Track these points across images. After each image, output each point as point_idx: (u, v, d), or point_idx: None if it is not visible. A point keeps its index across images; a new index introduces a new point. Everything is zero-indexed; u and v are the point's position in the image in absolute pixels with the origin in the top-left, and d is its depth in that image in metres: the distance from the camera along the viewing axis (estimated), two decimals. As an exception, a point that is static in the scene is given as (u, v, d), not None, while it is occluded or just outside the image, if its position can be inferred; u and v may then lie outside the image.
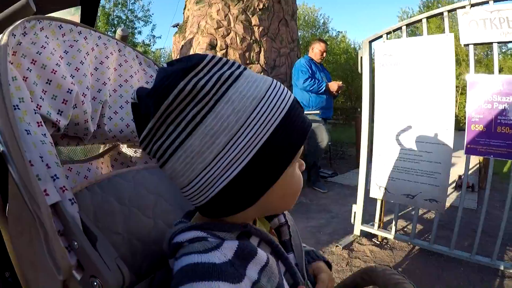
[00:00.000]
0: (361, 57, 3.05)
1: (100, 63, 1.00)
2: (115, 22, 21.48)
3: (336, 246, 3.24)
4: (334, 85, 4.87)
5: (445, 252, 3.09)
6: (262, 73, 4.73)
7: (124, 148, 1.19)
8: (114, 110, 1.01)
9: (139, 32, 23.90)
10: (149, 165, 0.99)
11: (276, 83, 0.64)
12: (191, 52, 4.44)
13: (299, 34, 6.00)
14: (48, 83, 0.78)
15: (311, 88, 4.72)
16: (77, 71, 0.88)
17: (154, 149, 0.61)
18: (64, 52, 0.88)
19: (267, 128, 0.58)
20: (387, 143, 2.99)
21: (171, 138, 0.58)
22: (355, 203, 3.49)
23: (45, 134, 0.70)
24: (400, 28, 2.91)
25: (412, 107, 2.80)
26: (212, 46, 4.38)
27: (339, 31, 34.83)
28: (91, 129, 0.89)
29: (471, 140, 2.60)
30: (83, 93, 0.87)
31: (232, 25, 4.51)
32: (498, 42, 2.46)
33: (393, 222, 3.30)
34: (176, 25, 5.75)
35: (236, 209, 0.63)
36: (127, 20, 22.36)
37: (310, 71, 4.81)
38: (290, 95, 0.65)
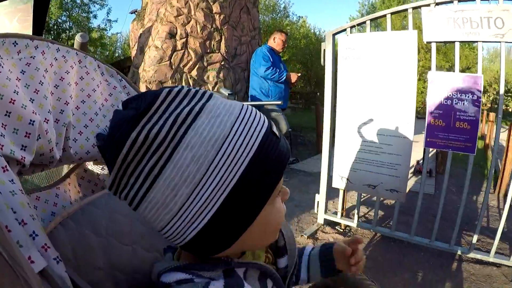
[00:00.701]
0: (324, 50, 3.05)
1: (60, 80, 0.92)
2: (69, 6, 20.40)
3: (301, 235, 3.29)
4: (294, 76, 4.93)
5: (406, 239, 3.21)
6: (223, 62, 4.64)
7: (90, 165, 1.13)
8: (79, 130, 0.95)
9: (95, 16, 22.80)
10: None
11: (246, 112, 0.58)
12: (150, 41, 4.29)
13: (260, 18, 5.94)
14: (8, 115, 0.70)
15: (272, 77, 4.70)
16: (37, 93, 0.81)
17: (121, 197, 0.57)
18: (21, 72, 0.80)
19: (235, 172, 0.53)
20: (349, 135, 3.04)
21: (133, 190, 0.54)
22: (317, 190, 3.54)
23: (12, 180, 0.64)
24: (364, 22, 2.92)
25: (374, 100, 2.85)
26: (172, 35, 4.24)
27: (299, 16, 34.89)
28: (57, 156, 0.82)
29: (431, 134, 2.70)
30: (46, 119, 0.80)
31: (192, 12, 4.37)
32: (461, 42, 2.53)
33: (356, 211, 3.39)
34: (134, 12, 5.53)
35: (213, 251, 0.60)
36: (82, 4, 21.29)
37: (271, 60, 4.78)
38: (263, 123, 0.59)
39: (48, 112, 0.82)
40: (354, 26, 2.90)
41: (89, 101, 0.99)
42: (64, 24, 19.81)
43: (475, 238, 2.96)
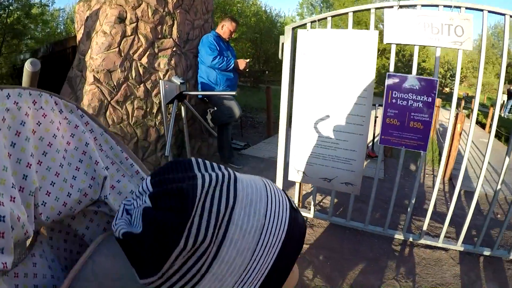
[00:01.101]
0: (283, 43, 3.00)
1: (16, 135, 0.78)
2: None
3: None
4: (242, 63, 4.80)
5: (361, 228, 3.33)
6: (174, 48, 4.45)
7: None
8: (46, 190, 0.83)
9: (36, -10, 21.16)
10: (99, 241, 0.84)
11: (272, 194, 0.61)
12: (98, 26, 4.01)
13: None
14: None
15: (219, 66, 4.61)
16: (-8, 165, 0.68)
17: None
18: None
19: (272, 253, 0.57)
20: (305, 130, 3.07)
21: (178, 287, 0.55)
22: (271, 178, 3.57)
23: None
24: (325, 18, 2.90)
25: (331, 97, 2.88)
26: (121, 19, 3.98)
27: None
28: (31, 232, 0.71)
29: (385, 132, 2.81)
30: (12, 197, 0.67)
31: None
32: (420, 45, 2.58)
33: (312, 202, 3.45)
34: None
35: None
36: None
37: (218, 48, 4.67)
38: (286, 202, 0.63)
39: (12, 186, 0.69)
40: (314, 21, 2.86)
41: (52, 152, 0.87)
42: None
43: (425, 225, 3.15)
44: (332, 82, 2.83)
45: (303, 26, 2.90)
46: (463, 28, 2.47)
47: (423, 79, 2.61)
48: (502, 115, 20.37)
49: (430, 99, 2.61)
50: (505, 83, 32.02)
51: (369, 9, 2.74)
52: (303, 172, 3.18)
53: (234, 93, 4.42)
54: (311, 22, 2.85)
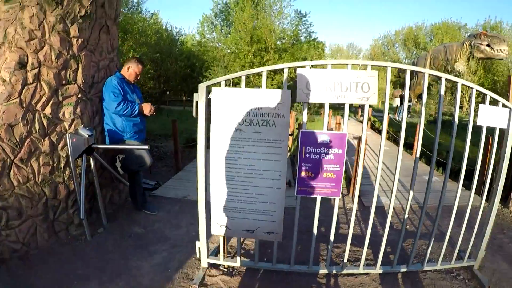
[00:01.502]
0: (197, 101, 3.00)
1: None
2: None
3: (191, 286, 3.28)
4: (147, 107, 4.64)
5: (287, 269, 3.46)
6: (80, 94, 4.19)
7: None
8: None
9: None
10: None
11: None
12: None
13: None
14: None
15: (124, 112, 4.42)
16: None
17: None
18: None
19: None
20: (224, 186, 3.09)
21: None
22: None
23: None
24: (239, 77, 2.98)
25: (247, 153, 2.94)
26: (22, 64, 3.61)
27: (152, 13, 33.70)
28: None
29: (301, 184, 3.00)
30: None
31: (47, 36, 3.75)
32: (330, 103, 2.78)
33: (237, 251, 3.51)
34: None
35: None
36: None
37: (122, 93, 4.48)
38: None
39: None
40: (229, 80, 2.93)
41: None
42: None
43: (345, 257, 3.40)
44: (248, 140, 2.90)
45: (217, 84, 2.95)
46: (369, 85, 2.72)
47: (334, 134, 2.81)
48: (397, 118, 22.16)
49: (340, 151, 2.83)
50: (396, 88, 34.94)
51: (283, 69, 2.89)
52: (226, 226, 3.22)
53: (147, 147, 4.29)
54: (225, 80, 2.92)
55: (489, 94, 3.11)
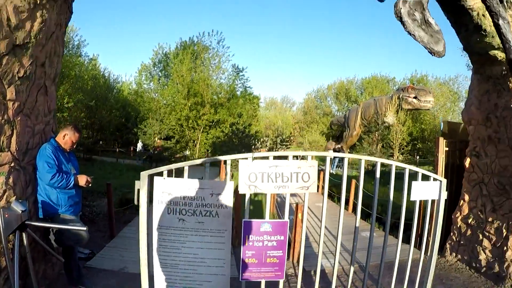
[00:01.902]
0: (138, 189, 2.98)
1: None
2: None
3: None
4: (83, 179, 4.49)
5: None
6: (13, 163, 3.97)
7: None
8: None
9: None
10: None
11: None
12: None
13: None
14: None
15: (59, 185, 4.24)
16: None
17: None
18: None
19: None
20: (169, 274, 3.05)
21: None
22: None
23: None
24: (182, 167, 3.01)
25: (192, 244, 2.96)
26: None
27: (91, 58, 33.21)
28: None
29: (245, 269, 3.05)
30: None
31: None
32: (272, 193, 2.88)
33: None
34: None
35: None
36: None
37: (57, 163, 4.30)
38: None
39: None
40: (171, 170, 2.96)
41: None
42: None
43: None
44: (191, 229, 2.92)
45: (160, 174, 2.96)
46: (309, 174, 2.88)
47: (275, 222, 2.91)
48: (330, 170, 22.87)
49: (282, 237, 2.92)
50: (329, 140, 36.31)
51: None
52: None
53: (85, 228, 4.08)
54: (168, 170, 2.94)
55: (421, 171, 3.40)
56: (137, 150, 26.08)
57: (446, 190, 3.66)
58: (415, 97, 27.87)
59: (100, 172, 17.22)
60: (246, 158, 2.90)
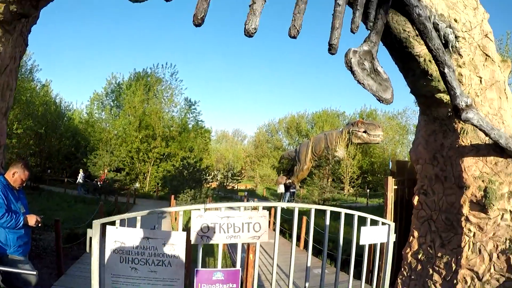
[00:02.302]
0: (90, 237, 2.93)
1: None
2: None
3: None
4: (32, 219, 4.31)
5: None
6: None
7: None
8: None
9: None
10: None
11: None
12: None
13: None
14: None
15: (8, 225, 4.08)
16: None
17: None
18: None
19: None
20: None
21: None
22: None
23: None
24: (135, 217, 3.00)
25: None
26: None
27: (43, 84, 32.13)
28: None
29: None
30: None
31: None
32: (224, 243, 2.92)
33: None
34: None
35: None
36: None
37: (6, 202, 4.14)
38: None
39: None
40: (124, 219, 2.94)
41: None
42: None
43: None
44: (143, 278, 2.89)
45: (113, 223, 2.94)
46: (260, 224, 2.94)
47: (228, 271, 2.95)
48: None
49: (235, 285, 2.94)
50: (279, 175, 36.65)
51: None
52: None
53: (35, 273, 3.88)
54: (120, 220, 2.93)
55: (369, 216, 3.55)
56: (77, 181, 24.86)
57: (395, 232, 3.83)
58: (364, 132, 28.88)
59: (48, 203, 16.42)
60: (198, 209, 2.95)
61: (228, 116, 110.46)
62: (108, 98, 35.93)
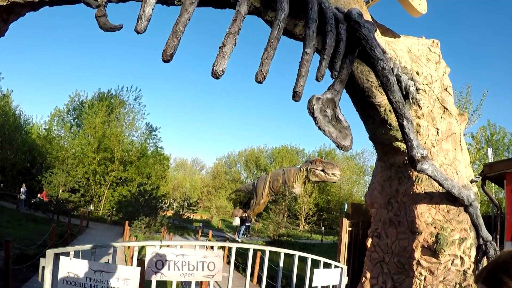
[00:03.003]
0: (43, 267, 2.81)
1: None
2: None
3: None
4: None
5: None
6: None
7: None
8: None
9: None
10: None
11: None
12: None
13: None
14: None
15: None
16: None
17: None
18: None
19: None
20: None
21: None
22: None
23: None
24: (91, 250, 2.92)
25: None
26: None
27: (4, 94, 30.97)
28: None
29: None
30: None
31: None
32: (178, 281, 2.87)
33: None
34: None
35: None
36: None
37: None
38: None
39: None
40: (79, 251, 2.85)
41: None
42: None
43: None
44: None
45: (67, 254, 2.84)
46: (215, 264, 2.92)
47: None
48: (236, 239, 22.70)
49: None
50: (236, 207, 36.59)
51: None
52: None
53: None
54: (75, 251, 2.84)
55: (323, 260, 3.59)
56: (18, 197, 23.71)
57: (347, 274, 3.88)
58: (322, 170, 29.41)
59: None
60: (154, 246, 2.90)
61: (188, 144, 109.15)
62: (69, 115, 34.97)
